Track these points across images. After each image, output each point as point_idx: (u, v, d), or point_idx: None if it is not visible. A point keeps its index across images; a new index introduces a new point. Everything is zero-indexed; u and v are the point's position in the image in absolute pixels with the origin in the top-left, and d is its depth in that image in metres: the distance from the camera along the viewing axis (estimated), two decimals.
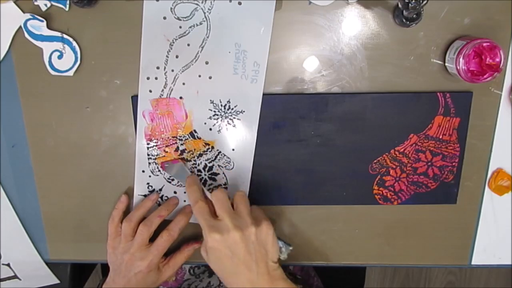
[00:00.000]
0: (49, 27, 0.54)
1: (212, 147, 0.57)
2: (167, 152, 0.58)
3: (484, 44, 0.48)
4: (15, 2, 0.53)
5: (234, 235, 0.48)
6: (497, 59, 0.48)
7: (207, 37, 0.53)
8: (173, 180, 0.59)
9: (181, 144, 0.58)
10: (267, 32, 0.53)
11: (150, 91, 0.55)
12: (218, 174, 0.58)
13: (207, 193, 0.54)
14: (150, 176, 0.59)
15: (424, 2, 0.44)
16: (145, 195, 0.60)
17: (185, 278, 0.75)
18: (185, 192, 0.60)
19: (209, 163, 0.58)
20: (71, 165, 0.60)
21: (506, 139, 0.57)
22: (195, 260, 0.63)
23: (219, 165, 0.58)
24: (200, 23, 0.53)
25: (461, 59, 0.49)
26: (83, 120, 0.58)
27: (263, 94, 0.55)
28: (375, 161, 0.58)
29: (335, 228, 0.61)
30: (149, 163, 0.58)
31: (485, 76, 0.49)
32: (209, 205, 0.52)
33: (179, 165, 0.57)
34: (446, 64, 0.53)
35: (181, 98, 0.56)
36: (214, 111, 0.56)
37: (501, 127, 0.56)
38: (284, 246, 0.55)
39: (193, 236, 0.62)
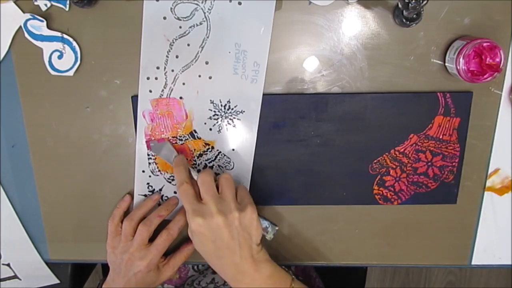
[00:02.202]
0: (49, 27, 0.54)
1: (212, 147, 0.57)
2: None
3: (484, 44, 0.48)
4: (15, 2, 0.53)
5: (217, 220, 0.49)
6: (497, 59, 0.48)
7: (207, 37, 0.53)
8: (173, 180, 0.59)
9: (181, 144, 0.58)
10: (267, 32, 0.53)
11: (150, 91, 0.55)
12: (218, 174, 0.58)
13: (194, 174, 0.54)
14: (150, 176, 0.59)
15: (424, 2, 0.44)
16: (145, 195, 0.60)
17: (189, 274, 0.75)
18: None
19: (209, 163, 0.58)
20: (71, 165, 0.60)
21: (506, 139, 0.57)
22: (195, 260, 0.63)
23: (219, 165, 0.58)
24: (200, 23, 0.53)
25: (461, 59, 0.49)
26: (83, 120, 0.58)
27: (263, 94, 0.55)
28: (375, 161, 0.58)
29: (335, 228, 0.61)
30: (149, 163, 0.58)
31: (485, 76, 0.49)
32: (195, 187, 0.52)
33: (166, 145, 0.57)
34: (446, 64, 0.53)
35: (181, 98, 0.56)
36: (214, 111, 0.56)
37: (501, 127, 0.56)
38: (270, 226, 0.55)
39: None
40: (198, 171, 0.53)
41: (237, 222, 0.50)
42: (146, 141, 0.57)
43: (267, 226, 0.55)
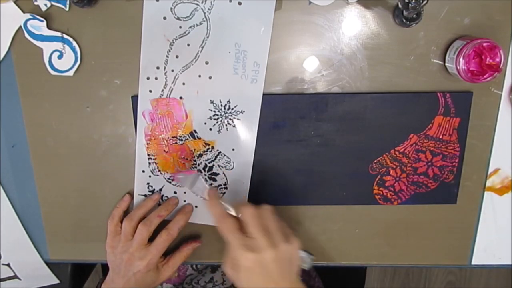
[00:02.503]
0: (49, 27, 0.54)
1: (212, 147, 0.57)
2: (167, 152, 0.58)
3: (484, 44, 0.48)
4: (15, 2, 0.53)
5: (269, 255, 0.47)
6: (497, 59, 0.48)
7: (207, 37, 0.53)
8: (173, 180, 0.59)
9: (181, 144, 0.58)
10: (267, 32, 0.53)
11: (150, 91, 0.55)
12: (218, 174, 0.58)
13: (226, 206, 0.52)
14: (150, 176, 0.59)
15: (424, 2, 0.44)
16: (145, 195, 0.60)
17: (188, 273, 0.75)
18: (185, 192, 0.60)
19: (209, 163, 0.58)
20: (71, 165, 0.60)
21: (506, 139, 0.57)
22: (195, 260, 0.63)
23: (219, 165, 0.58)
24: (200, 23, 0.53)
25: (461, 59, 0.49)
26: (83, 120, 0.58)
27: (263, 94, 0.55)
28: (375, 161, 0.58)
29: (335, 228, 0.61)
30: (149, 163, 0.58)
31: (485, 76, 0.49)
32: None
33: (197, 178, 0.55)
34: (446, 64, 0.53)
35: (181, 98, 0.56)
36: (214, 111, 0.56)
37: (501, 127, 0.56)
38: (307, 256, 0.54)
39: (192, 236, 0.62)
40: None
41: (285, 255, 0.48)
42: (174, 174, 0.56)
43: (304, 256, 0.53)
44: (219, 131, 0.57)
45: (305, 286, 0.50)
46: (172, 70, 0.54)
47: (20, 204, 0.62)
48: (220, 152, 0.58)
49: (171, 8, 0.52)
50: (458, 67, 0.50)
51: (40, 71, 0.55)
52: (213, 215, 0.51)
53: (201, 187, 0.55)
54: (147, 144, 0.58)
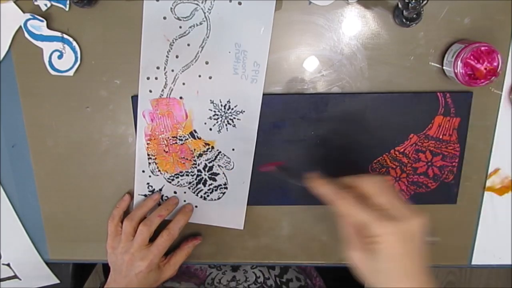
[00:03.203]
0: (49, 27, 0.54)
1: (212, 147, 0.57)
2: (167, 152, 0.58)
3: (482, 48, 0.48)
4: (15, 2, 0.53)
5: (416, 223, 0.40)
6: (495, 63, 0.49)
7: (207, 37, 0.53)
8: (172, 180, 0.59)
9: (181, 144, 0.58)
10: (267, 32, 0.53)
11: (150, 91, 0.55)
12: (218, 174, 0.58)
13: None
14: (150, 176, 0.59)
15: (424, 2, 0.44)
16: (145, 195, 0.60)
17: (208, 273, 0.74)
18: (185, 192, 0.60)
19: (209, 163, 0.58)
20: (71, 165, 0.60)
21: (506, 139, 0.57)
22: (196, 260, 0.63)
23: (219, 165, 0.58)
24: (200, 23, 0.53)
25: (459, 63, 0.49)
26: (83, 120, 0.58)
27: (263, 94, 0.55)
28: (375, 161, 0.58)
29: (335, 228, 0.61)
30: (149, 163, 0.58)
31: (482, 80, 0.49)
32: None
33: (285, 166, 0.52)
34: (444, 67, 0.53)
35: (181, 98, 0.56)
36: (214, 111, 0.56)
37: (501, 127, 0.56)
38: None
39: (191, 235, 0.62)
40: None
41: (421, 228, 0.41)
42: (261, 167, 0.53)
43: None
44: (219, 131, 0.57)
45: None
46: (172, 70, 0.54)
47: (20, 204, 0.62)
48: (220, 152, 0.58)
49: (171, 8, 0.52)
50: (456, 71, 0.50)
51: (40, 71, 0.55)
52: (327, 195, 0.44)
53: (297, 174, 0.50)
54: (147, 144, 0.58)
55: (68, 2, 0.53)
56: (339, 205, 0.43)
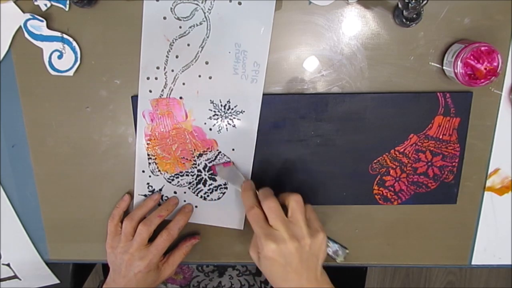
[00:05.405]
0: (49, 27, 0.54)
1: (212, 147, 0.57)
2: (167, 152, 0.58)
3: (482, 48, 0.48)
4: (15, 2, 0.53)
5: (290, 246, 0.48)
6: (495, 64, 0.49)
7: (207, 37, 0.53)
8: (172, 180, 0.59)
9: (181, 144, 0.57)
10: (267, 32, 0.53)
11: (150, 91, 0.55)
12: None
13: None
14: (150, 176, 0.59)
15: (424, 2, 0.44)
16: (145, 195, 0.60)
17: (194, 275, 0.75)
18: (185, 192, 0.60)
19: (209, 163, 0.58)
20: (71, 165, 0.60)
21: (506, 139, 0.57)
22: (194, 260, 0.63)
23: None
24: (200, 23, 0.53)
25: (459, 63, 0.49)
26: (83, 120, 0.58)
27: (263, 94, 0.55)
28: (375, 161, 0.58)
29: (335, 228, 0.61)
30: (149, 163, 0.58)
31: (482, 80, 0.49)
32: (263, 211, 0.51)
33: (231, 168, 0.57)
34: (444, 67, 0.53)
35: (181, 98, 0.56)
36: (214, 111, 0.56)
37: (501, 127, 0.56)
38: (341, 250, 0.54)
39: (190, 234, 0.62)
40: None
41: (308, 248, 0.49)
42: (212, 166, 0.58)
43: (337, 249, 0.54)
44: (219, 131, 0.57)
45: (327, 279, 0.51)
46: (172, 70, 0.54)
47: (20, 204, 0.62)
48: (220, 152, 0.58)
49: (171, 8, 0.52)
50: (456, 71, 0.50)
51: (40, 71, 0.55)
52: (244, 205, 0.53)
53: (235, 178, 0.57)
54: (147, 144, 0.58)
55: (68, 2, 0.53)
56: (247, 216, 0.52)
